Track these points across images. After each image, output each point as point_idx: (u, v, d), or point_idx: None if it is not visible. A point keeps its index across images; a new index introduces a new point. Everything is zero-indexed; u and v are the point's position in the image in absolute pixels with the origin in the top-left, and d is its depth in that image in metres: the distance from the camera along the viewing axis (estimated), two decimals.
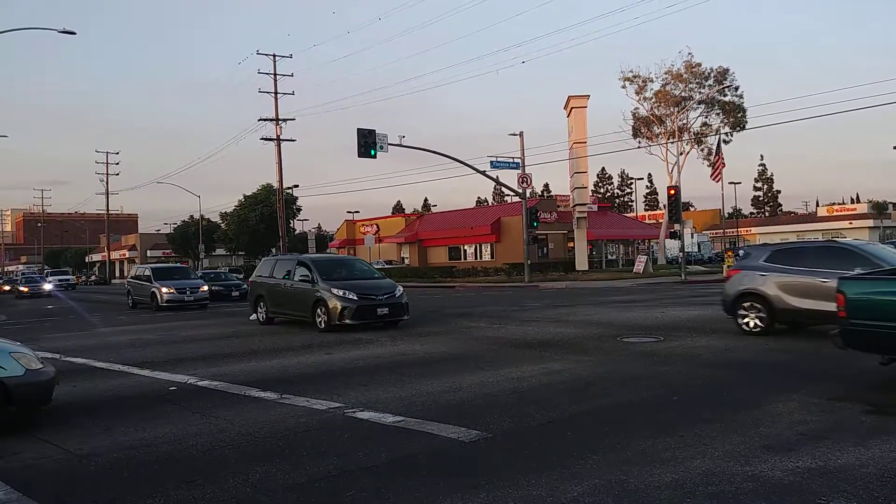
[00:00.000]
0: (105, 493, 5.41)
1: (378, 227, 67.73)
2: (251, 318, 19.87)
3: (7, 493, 5.44)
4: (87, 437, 7.15)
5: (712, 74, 50.44)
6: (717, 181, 42.33)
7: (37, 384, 7.69)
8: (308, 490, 5.28)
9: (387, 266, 58.85)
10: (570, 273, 44.98)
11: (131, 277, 31.79)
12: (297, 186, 60.68)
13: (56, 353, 13.99)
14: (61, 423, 7.87)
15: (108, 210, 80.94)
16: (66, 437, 7.14)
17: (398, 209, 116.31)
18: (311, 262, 17.86)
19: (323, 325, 16.42)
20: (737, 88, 50.64)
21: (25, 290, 48.85)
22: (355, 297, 16.15)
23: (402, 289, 17.54)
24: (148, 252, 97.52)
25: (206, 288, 28.84)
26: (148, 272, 29.25)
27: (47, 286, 50.88)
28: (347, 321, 15.95)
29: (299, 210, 69.52)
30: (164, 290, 27.31)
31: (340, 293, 16.20)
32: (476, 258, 58.40)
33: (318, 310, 16.58)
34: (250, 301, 20.23)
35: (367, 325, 16.39)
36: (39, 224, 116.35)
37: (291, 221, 68.05)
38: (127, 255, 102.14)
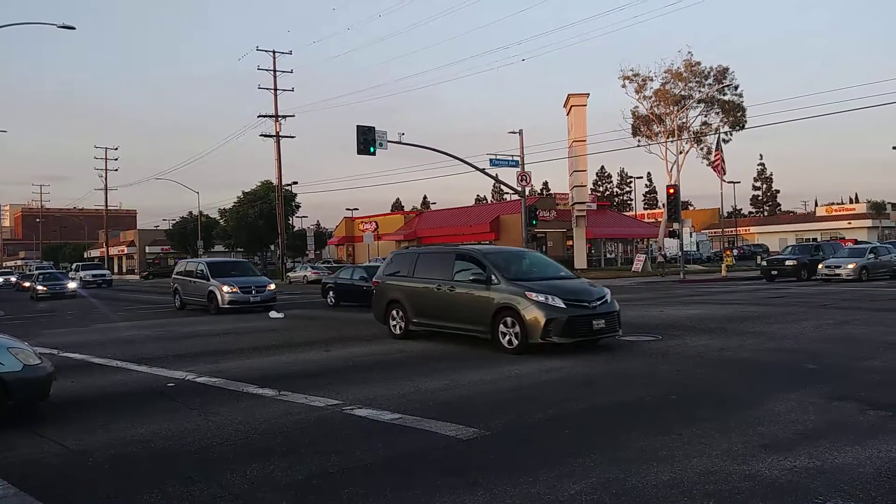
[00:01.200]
0: (103, 489, 5.41)
1: (377, 224, 67.76)
2: (390, 328, 14.42)
3: (4, 489, 5.44)
4: (84, 432, 7.15)
5: (712, 73, 50.39)
6: (721, 177, 42.22)
7: (34, 380, 7.68)
8: (306, 487, 5.27)
9: None
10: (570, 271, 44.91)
11: (178, 274, 26.60)
12: (296, 183, 60.82)
13: (54, 348, 13.97)
14: (59, 418, 7.86)
15: (106, 206, 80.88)
16: (63, 433, 7.13)
17: (397, 206, 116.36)
18: (483, 256, 12.76)
19: (513, 343, 11.48)
20: (736, 87, 50.61)
21: (43, 289, 38.80)
22: (562, 305, 11.26)
23: (609, 291, 12.40)
24: (146, 248, 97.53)
25: (273, 286, 24.11)
26: (203, 267, 24.34)
27: (72, 284, 41.46)
28: (554, 338, 11.13)
29: (298, 207, 69.47)
30: (226, 288, 22.74)
31: (541, 299, 11.29)
32: None
33: (504, 323, 11.67)
34: (377, 308, 14.84)
35: (577, 343, 11.62)
36: (38, 219, 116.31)
37: (290, 218, 68.03)
38: (125, 251, 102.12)
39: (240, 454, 6.18)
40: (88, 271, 57.84)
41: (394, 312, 14.19)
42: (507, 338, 11.58)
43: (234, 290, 22.79)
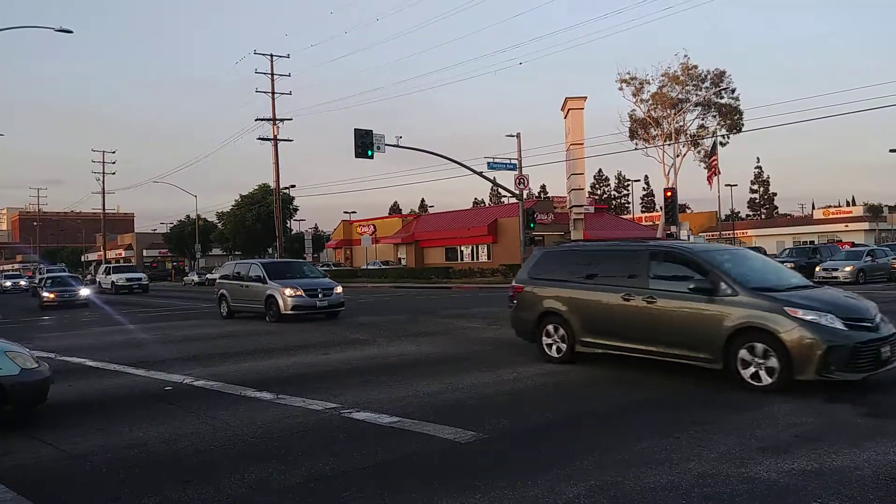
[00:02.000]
0: (100, 493, 5.40)
1: (375, 227, 67.79)
2: (544, 348, 10.96)
3: (2, 493, 5.42)
4: (82, 436, 7.13)
5: (709, 77, 50.53)
6: (710, 182, 42.33)
7: (32, 383, 7.67)
8: (304, 490, 5.27)
9: (383, 267, 58.89)
10: None
11: (224, 277, 22.97)
12: (293, 186, 60.76)
13: (51, 352, 13.94)
14: (57, 422, 7.85)
15: (104, 209, 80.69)
16: (61, 437, 7.12)
17: (395, 210, 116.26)
18: (699, 255, 9.43)
19: (763, 379, 8.19)
20: (733, 91, 50.75)
21: (50, 297, 32.70)
22: (842, 328, 8.09)
23: (876, 306, 8.92)
24: (144, 251, 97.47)
25: (340, 289, 20.77)
26: (258, 270, 20.87)
27: (85, 291, 34.56)
28: (836, 375, 7.96)
29: (296, 210, 69.54)
30: (289, 292, 19.43)
31: (813, 318, 8.10)
32: (473, 259, 58.48)
33: (749, 350, 8.35)
34: (522, 322, 11.44)
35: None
36: (35, 223, 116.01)
37: (288, 221, 68.05)
38: (123, 255, 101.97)
39: (237, 458, 6.17)
40: (122, 274, 48.52)
41: (550, 328, 10.89)
42: (753, 370, 8.31)
43: (299, 293, 19.59)
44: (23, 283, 59.16)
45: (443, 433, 6.76)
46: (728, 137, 51.02)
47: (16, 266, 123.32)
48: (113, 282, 47.09)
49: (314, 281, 20.84)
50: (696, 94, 50.61)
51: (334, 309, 20.24)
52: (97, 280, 52.18)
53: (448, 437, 6.65)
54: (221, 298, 22.42)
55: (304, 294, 19.62)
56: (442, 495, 5.03)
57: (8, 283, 62.32)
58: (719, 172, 42.67)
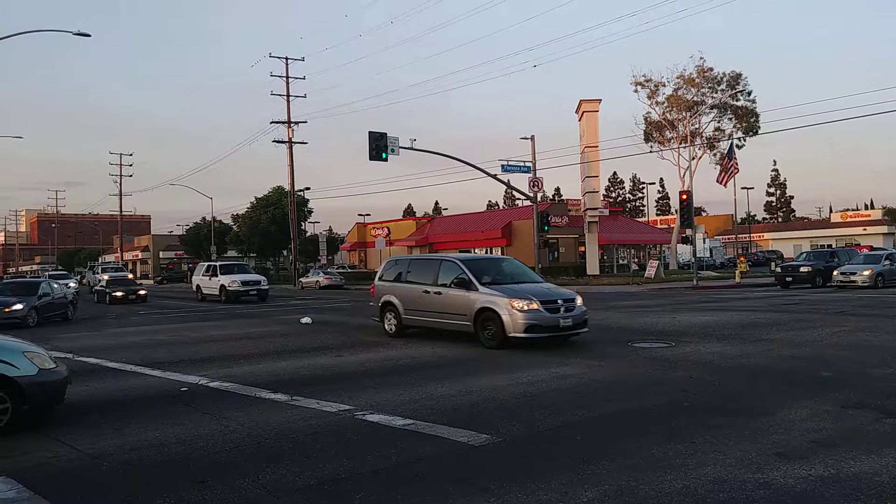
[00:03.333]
0: (116, 493, 5.44)
1: (389, 230, 67.88)
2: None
3: (19, 492, 5.48)
4: (98, 436, 7.20)
5: (725, 79, 50.31)
6: (724, 184, 42.04)
7: (50, 384, 7.74)
8: (317, 492, 5.28)
9: None
10: (581, 277, 44.87)
11: (386, 279, 16.29)
12: (308, 189, 61.02)
13: (69, 352, 14.08)
14: (73, 422, 7.92)
15: (121, 211, 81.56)
16: (77, 437, 7.18)
17: (409, 212, 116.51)
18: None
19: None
20: (749, 93, 50.49)
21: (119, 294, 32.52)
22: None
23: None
24: (160, 253, 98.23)
25: (580, 300, 13.79)
26: (459, 269, 14.16)
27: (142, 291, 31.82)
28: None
29: (311, 212, 69.85)
30: (519, 304, 12.81)
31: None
32: None
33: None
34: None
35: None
36: (53, 225, 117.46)
37: (303, 223, 68.38)
38: (140, 256, 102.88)
39: (252, 459, 6.20)
40: (235, 276, 33.94)
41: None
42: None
43: (533, 306, 12.75)
44: (72, 284, 44.46)
45: (456, 436, 6.76)
46: (744, 140, 50.72)
47: (34, 267, 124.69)
48: (224, 285, 33.29)
49: (547, 289, 13.90)
50: (712, 97, 50.36)
51: (578, 330, 13.46)
52: (196, 284, 37.65)
53: (462, 439, 6.64)
54: (387, 309, 15.93)
55: (541, 308, 12.84)
56: (455, 498, 5.03)
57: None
58: (738, 171, 42.25)
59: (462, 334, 13.94)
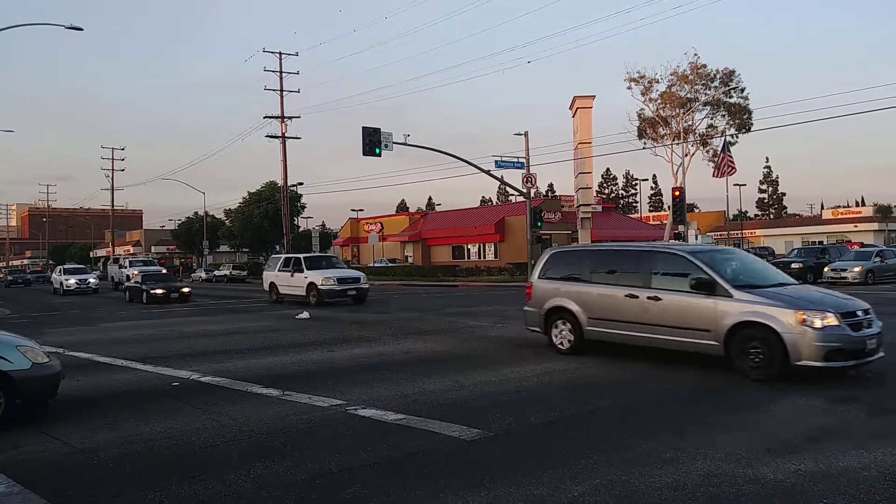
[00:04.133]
0: (108, 488, 5.43)
1: (382, 225, 67.80)
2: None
3: (10, 486, 5.47)
4: (90, 431, 7.18)
5: (718, 76, 50.29)
6: (719, 177, 42.02)
7: (43, 378, 7.72)
8: (309, 487, 5.29)
9: (390, 264, 58.97)
10: None
11: (549, 276, 12.19)
12: (301, 184, 60.76)
13: (60, 347, 14.02)
14: (65, 417, 7.90)
15: (112, 205, 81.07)
16: (69, 431, 7.17)
17: (402, 208, 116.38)
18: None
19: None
20: (742, 90, 50.48)
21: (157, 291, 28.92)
22: None
23: None
24: (152, 248, 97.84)
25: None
26: (695, 268, 9.92)
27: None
28: None
29: (303, 207, 69.73)
30: (810, 318, 8.68)
31: None
32: (479, 257, 58.45)
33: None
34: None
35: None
36: (44, 219, 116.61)
37: (296, 219, 68.25)
38: (131, 251, 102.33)
39: (244, 453, 6.20)
40: (328, 272, 26.26)
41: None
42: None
43: (830, 320, 8.75)
44: (92, 280, 43.19)
45: (448, 431, 6.77)
46: (737, 137, 50.80)
47: (24, 262, 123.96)
48: (313, 284, 25.40)
49: (833, 297, 10.00)
50: (706, 94, 50.40)
51: (878, 356, 9.38)
52: (271, 281, 28.98)
53: (453, 434, 6.66)
54: (557, 317, 11.81)
55: (842, 324, 8.83)
56: (447, 493, 5.04)
57: (72, 281, 42.56)
58: (735, 170, 42.34)
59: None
